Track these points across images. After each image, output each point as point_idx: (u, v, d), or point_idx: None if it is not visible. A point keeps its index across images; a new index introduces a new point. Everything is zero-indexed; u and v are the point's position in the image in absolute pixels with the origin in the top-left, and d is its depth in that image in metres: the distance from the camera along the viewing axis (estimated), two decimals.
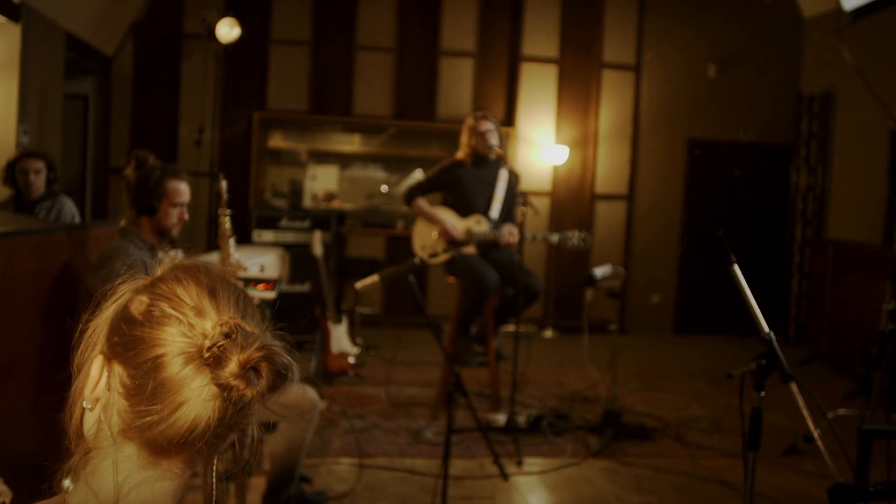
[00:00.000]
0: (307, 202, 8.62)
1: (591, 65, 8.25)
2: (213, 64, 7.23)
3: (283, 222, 6.57)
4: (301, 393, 2.72)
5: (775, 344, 1.85)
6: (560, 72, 8.22)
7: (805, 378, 6.51)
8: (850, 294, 6.64)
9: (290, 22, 7.86)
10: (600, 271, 4.45)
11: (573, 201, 8.28)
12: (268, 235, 6.48)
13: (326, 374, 5.51)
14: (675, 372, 6.45)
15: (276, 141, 8.53)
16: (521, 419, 4.51)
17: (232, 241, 2.74)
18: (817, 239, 7.90)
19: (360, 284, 2.95)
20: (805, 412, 1.94)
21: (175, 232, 2.78)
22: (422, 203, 4.83)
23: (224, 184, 2.71)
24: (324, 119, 8.06)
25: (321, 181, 8.72)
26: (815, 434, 1.93)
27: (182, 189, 2.76)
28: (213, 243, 7.13)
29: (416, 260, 2.87)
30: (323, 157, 8.69)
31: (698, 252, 8.38)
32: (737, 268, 1.88)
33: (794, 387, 1.88)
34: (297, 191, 8.75)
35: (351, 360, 5.56)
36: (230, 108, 7.80)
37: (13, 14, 5.17)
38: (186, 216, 2.79)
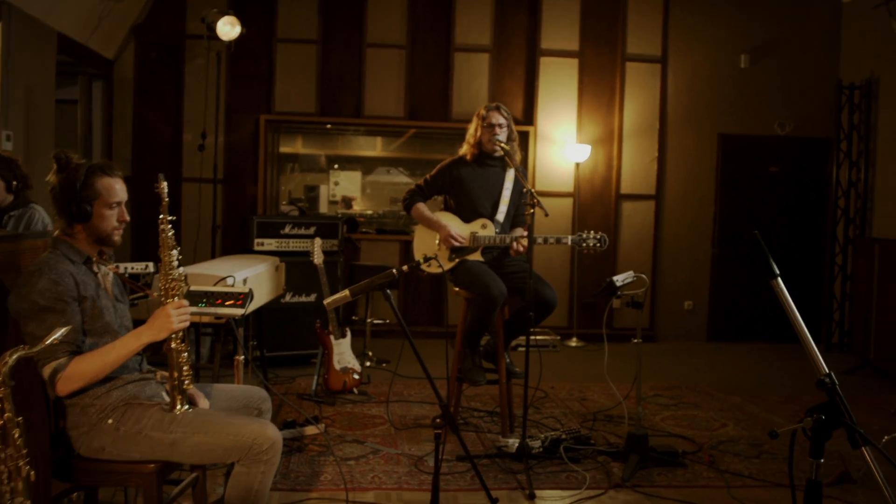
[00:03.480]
0: (323, 208, 8.27)
1: (614, 58, 7.79)
2: (216, 65, 6.89)
3: (287, 230, 6.20)
4: (258, 430, 2.32)
5: (839, 391, 1.35)
6: (581, 66, 7.77)
7: (851, 390, 5.99)
8: None
9: (296, 20, 7.51)
10: (621, 278, 4.00)
11: (597, 202, 7.82)
12: (270, 244, 6.11)
13: (328, 393, 5.12)
14: (708, 384, 5.95)
15: (296, 146, 8.19)
16: (535, 444, 4.08)
17: (175, 253, 2.34)
18: (861, 238, 7.35)
19: (328, 301, 2.56)
20: (883, 485, 1.47)
21: (116, 237, 2.39)
22: (422, 208, 4.42)
23: (164, 185, 2.31)
24: (332, 121, 7.68)
25: (344, 186, 8.37)
26: None
27: (116, 186, 2.37)
28: (217, 253, 6.86)
29: (394, 271, 2.48)
30: (343, 162, 8.34)
31: (732, 254, 7.87)
32: (780, 282, 1.43)
33: (866, 452, 1.40)
34: (313, 197, 8.41)
35: (355, 376, 5.16)
36: (235, 111, 7.48)
37: None
38: (127, 217, 2.40)
